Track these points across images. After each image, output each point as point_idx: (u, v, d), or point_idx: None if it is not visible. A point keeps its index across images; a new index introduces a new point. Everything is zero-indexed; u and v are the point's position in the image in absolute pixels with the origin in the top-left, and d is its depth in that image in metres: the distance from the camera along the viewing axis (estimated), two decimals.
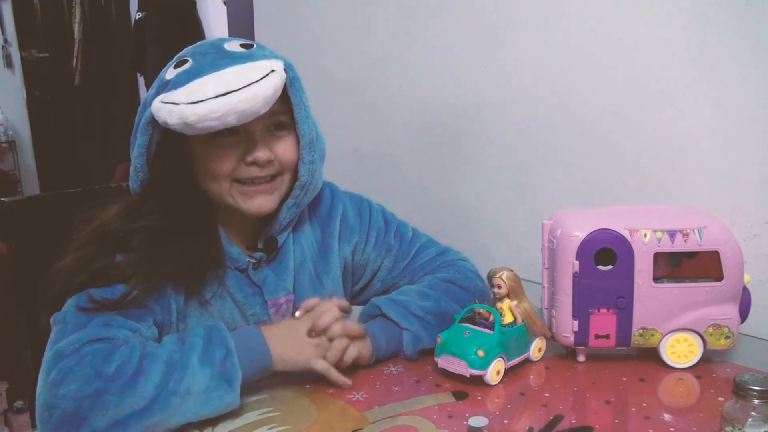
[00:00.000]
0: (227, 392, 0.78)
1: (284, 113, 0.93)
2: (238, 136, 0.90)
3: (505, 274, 0.91)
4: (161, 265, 0.86)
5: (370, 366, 0.94)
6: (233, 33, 2.66)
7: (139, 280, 0.84)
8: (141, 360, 0.76)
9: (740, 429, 0.67)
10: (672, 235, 0.89)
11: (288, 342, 0.86)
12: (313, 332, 0.88)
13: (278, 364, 0.85)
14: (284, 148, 0.93)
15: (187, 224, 0.91)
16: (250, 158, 0.90)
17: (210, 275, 0.92)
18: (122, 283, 0.84)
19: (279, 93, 0.87)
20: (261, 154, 0.90)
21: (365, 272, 1.09)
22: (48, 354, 0.78)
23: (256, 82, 0.83)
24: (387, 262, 1.09)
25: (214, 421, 0.79)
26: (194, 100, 0.82)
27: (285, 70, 0.90)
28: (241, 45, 0.91)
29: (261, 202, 0.93)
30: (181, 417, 0.76)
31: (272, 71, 0.86)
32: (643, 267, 0.90)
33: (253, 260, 0.97)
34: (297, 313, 0.91)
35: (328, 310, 0.90)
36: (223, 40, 0.93)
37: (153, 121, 0.87)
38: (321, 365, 0.87)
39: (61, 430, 0.73)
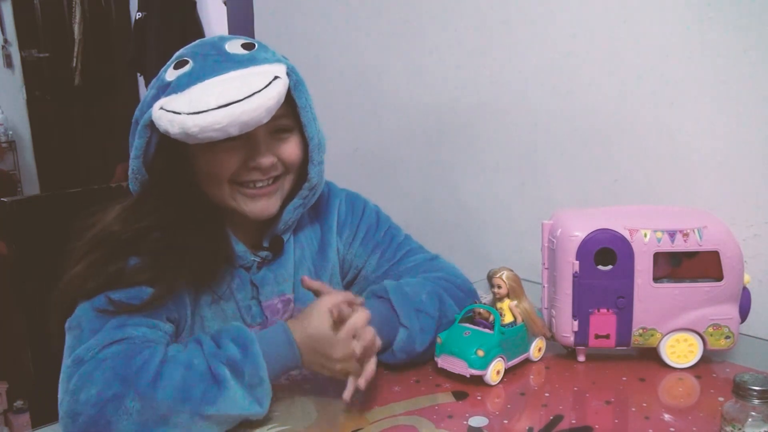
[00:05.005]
0: (256, 412, 0.78)
1: (287, 116, 0.91)
2: (240, 140, 0.88)
3: (505, 274, 0.92)
4: (179, 266, 0.86)
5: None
6: (233, 33, 2.66)
7: (161, 283, 0.83)
8: (161, 364, 0.75)
9: (740, 429, 0.67)
10: (672, 235, 0.89)
11: (318, 348, 0.82)
12: (344, 333, 0.82)
13: (306, 364, 0.83)
14: (288, 151, 0.92)
15: (193, 222, 0.90)
16: (253, 163, 0.89)
17: (221, 272, 0.92)
18: (142, 285, 0.83)
19: (282, 101, 0.85)
20: (264, 160, 0.89)
21: (351, 268, 1.07)
22: (67, 361, 0.77)
23: (259, 91, 0.82)
24: (372, 260, 1.06)
25: None
26: (196, 111, 0.80)
27: (288, 74, 0.88)
28: (243, 45, 0.90)
29: (264, 206, 0.92)
30: (204, 430, 0.76)
31: (276, 78, 0.84)
32: (643, 267, 0.90)
33: (258, 259, 0.97)
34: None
35: (362, 313, 0.84)
36: (223, 39, 0.91)
37: (152, 124, 0.86)
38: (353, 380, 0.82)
39: None
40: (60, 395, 0.75)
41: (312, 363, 0.83)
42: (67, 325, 0.82)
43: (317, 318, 0.82)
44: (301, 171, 0.97)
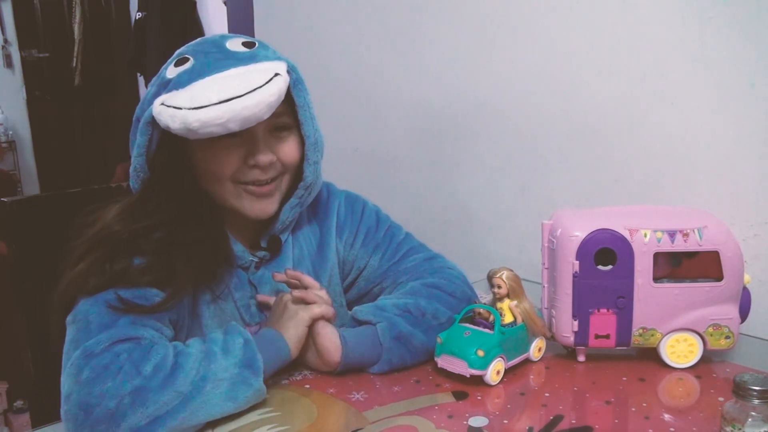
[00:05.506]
0: (252, 378, 0.79)
1: (287, 114, 0.92)
2: (240, 138, 0.89)
3: (505, 274, 0.91)
4: (184, 268, 0.86)
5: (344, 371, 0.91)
6: (233, 32, 2.66)
7: (169, 286, 0.84)
8: (176, 357, 0.77)
9: (740, 429, 0.67)
10: (672, 235, 0.89)
11: (286, 320, 0.88)
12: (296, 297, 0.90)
13: (292, 344, 0.87)
14: (287, 150, 0.93)
15: (194, 221, 0.90)
16: (252, 161, 0.89)
17: (221, 272, 0.93)
18: (148, 287, 0.83)
19: (282, 98, 0.86)
20: (263, 157, 0.89)
21: (352, 269, 1.07)
22: (75, 353, 0.76)
23: (260, 87, 0.82)
24: (373, 260, 1.06)
25: (214, 421, 0.79)
26: (197, 106, 0.81)
27: (288, 71, 0.89)
28: (244, 44, 0.90)
29: (263, 206, 0.93)
30: (211, 407, 0.76)
31: (276, 75, 0.85)
32: (643, 267, 0.90)
33: (256, 259, 0.97)
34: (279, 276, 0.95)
35: (321, 293, 0.92)
36: (224, 37, 0.92)
37: (153, 121, 0.86)
38: (314, 311, 0.88)
39: (98, 428, 0.72)
40: (66, 387, 0.75)
41: (286, 328, 0.87)
42: (69, 318, 0.82)
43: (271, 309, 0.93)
44: (298, 170, 0.97)
